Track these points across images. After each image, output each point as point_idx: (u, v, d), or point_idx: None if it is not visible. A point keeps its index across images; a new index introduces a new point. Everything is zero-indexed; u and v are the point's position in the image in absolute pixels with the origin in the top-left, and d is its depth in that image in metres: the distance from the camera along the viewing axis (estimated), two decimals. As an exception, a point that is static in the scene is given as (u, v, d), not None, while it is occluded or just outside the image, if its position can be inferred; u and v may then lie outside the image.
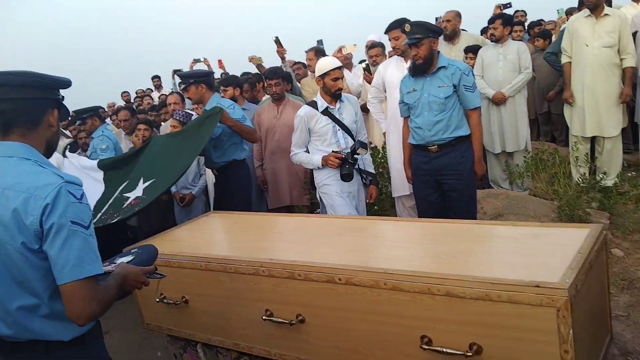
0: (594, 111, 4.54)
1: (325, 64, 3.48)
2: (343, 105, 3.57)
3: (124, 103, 9.54)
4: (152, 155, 3.85)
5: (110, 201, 3.75)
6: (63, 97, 1.65)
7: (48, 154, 1.60)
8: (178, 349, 2.69)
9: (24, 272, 1.42)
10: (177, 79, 8.86)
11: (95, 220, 3.75)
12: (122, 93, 10.48)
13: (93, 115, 4.99)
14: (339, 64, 3.54)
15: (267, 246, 2.47)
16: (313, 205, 4.66)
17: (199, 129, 3.71)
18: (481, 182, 4.62)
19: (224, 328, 2.32)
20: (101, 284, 1.49)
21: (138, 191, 3.68)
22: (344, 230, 2.48)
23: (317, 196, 3.65)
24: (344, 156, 3.37)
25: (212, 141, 3.88)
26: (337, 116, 3.52)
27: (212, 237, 2.81)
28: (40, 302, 1.46)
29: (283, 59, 5.91)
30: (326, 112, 3.50)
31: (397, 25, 3.88)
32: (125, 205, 3.63)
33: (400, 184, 3.94)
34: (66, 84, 1.62)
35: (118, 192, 3.76)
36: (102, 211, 3.69)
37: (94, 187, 3.82)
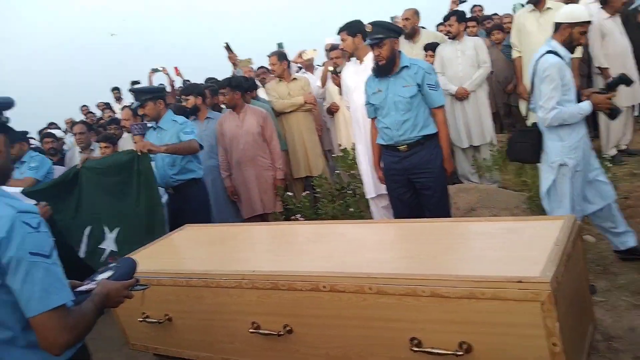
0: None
1: (580, 14, 3.06)
2: None
3: (84, 117, 9.31)
4: (96, 195, 3.80)
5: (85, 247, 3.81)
6: (7, 118, 1.55)
7: (1, 181, 1.54)
8: (165, 369, 2.66)
9: None
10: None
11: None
12: (82, 107, 10.21)
13: (21, 140, 4.83)
14: (590, 19, 3.17)
15: (247, 257, 2.47)
16: (287, 211, 4.66)
17: (136, 174, 3.63)
18: (451, 178, 4.72)
19: (211, 344, 2.31)
20: (75, 310, 1.45)
21: (109, 243, 3.73)
22: (321, 236, 2.51)
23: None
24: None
25: (168, 158, 3.85)
26: None
27: (190, 251, 2.78)
28: (15, 334, 1.42)
29: (235, 64, 5.89)
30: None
31: (345, 28, 3.92)
32: (102, 258, 3.70)
33: (371, 185, 3.99)
34: (7, 104, 1.54)
35: (86, 236, 3.80)
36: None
37: None
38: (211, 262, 2.44)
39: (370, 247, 2.22)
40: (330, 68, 5.03)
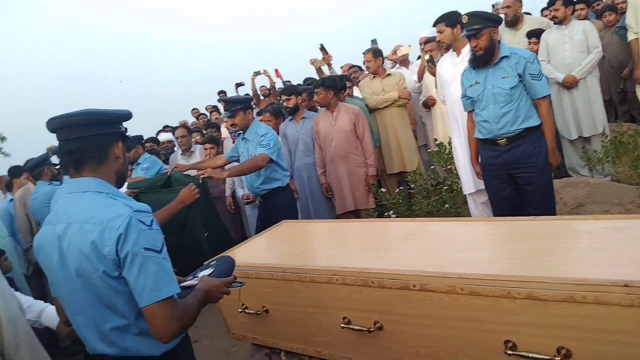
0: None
1: None
2: None
3: (195, 119, 9.95)
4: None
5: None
6: (126, 129, 1.75)
7: (119, 184, 1.71)
8: (263, 357, 2.78)
9: (110, 297, 1.53)
10: (240, 92, 9.16)
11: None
12: (192, 110, 10.93)
13: (137, 144, 5.26)
14: None
15: (339, 254, 2.50)
16: (380, 207, 4.65)
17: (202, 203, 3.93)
18: (558, 171, 4.42)
19: (304, 336, 2.38)
20: (181, 302, 1.58)
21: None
22: (414, 234, 2.47)
23: None
24: None
25: None
26: None
27: (286, 246, 2.88)
28: (129, 322, 1.57)
29: (329, 65, 5.95)
30: None
31: (442, 19, 3.82)
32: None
33: (469, 181, 3.86)
34: (126, 116, 1.72)
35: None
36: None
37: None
38: (305, 257, 2.51)
39: (464, 246, 2.15)
40: (427, 57, 4.92)
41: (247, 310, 2.56)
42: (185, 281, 1.87)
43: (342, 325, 2.12)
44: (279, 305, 2.46)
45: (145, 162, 5.02)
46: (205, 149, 5.31)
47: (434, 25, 3.93)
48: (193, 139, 6.10)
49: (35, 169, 4.66)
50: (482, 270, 1.73)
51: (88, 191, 1.60)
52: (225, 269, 1.91)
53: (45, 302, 2.52)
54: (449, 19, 3.78)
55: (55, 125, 1.61)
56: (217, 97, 8.83)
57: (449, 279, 1.75)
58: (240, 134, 4.17)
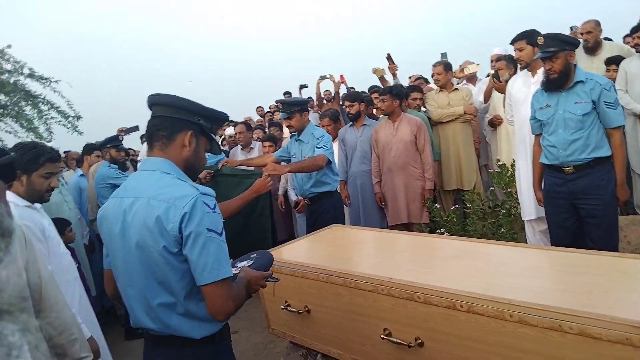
0: None
1: None
2: None
3: (259, 117, 10.23)
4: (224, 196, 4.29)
5: None
6: (210, 127, 1.79)
7: (189, 174, 1.76)
8: (300, 357, 2.80)
9: (164, 272, 1.59)
10: (304, 94, 9.31)
11: None
12: (257, 108, 11.23)
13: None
14: None
15: (387, 264, 2.48)
16: (433, 223, 4.58)
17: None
18: (625, 207, 4.19)
19: (343, 341, 2.38)
20: (234, 285, 1.63)
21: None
22: (467, 254, 2.42)
23: None
24: None
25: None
26: None
27: (334, 250, 2.89)
28: (177, 300, 1.62)
29: (394, 75, 5.92)
30: None
31: (523, 36, 3.71)
32: None
33: (529, 207, 3.73)
34: (210, 113, 1.77)
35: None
36: None
37: None
38: (352, 262, 2.52)
39: (517, 273, 2.09)
40: (492, 71, 4.81)
41: (289, 308, 2.60)
42: None
43: (382, 336, 2.11)
44: (321, 307, 2.47)
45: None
46: (264, 146, 5.43)
47: (513, 42, 3.84)
48: (255, 136, 6.26)
49: (101, 148, 5.02)
50: (533, 299, 1.68)
51: (157, 171, 1.68)
52: (264, 263, 1.95)
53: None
54: (530, 37, 3.67)
55: (150, 101, 1.74)
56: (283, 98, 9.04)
57: (498, 304, 1.71)
58: (293, 135, 4.24)
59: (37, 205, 2.62)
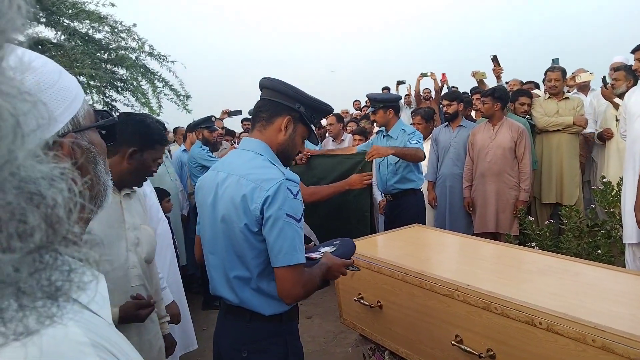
0: None
1: None
2: None
3: (355, 111, 10.33)
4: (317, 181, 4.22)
5: None
6: (311, 116, 1.82)
7: (282, 158, 1.81)
8: (368, 350, 2.82)
9: (243, 248, 1.67)
10: (400, 91, 9.22)
11: None
12: (354, 101, 11.32)
13: None
14: None
15: (466, 270, 2.42)
16: (523, 236, 4.36)
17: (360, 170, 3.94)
18: None
19: (412, 342, 2.36)
20: (307, 271, 1.68)
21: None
22: (553, 270, 2.29)
23: None
24: None
25: (391, 167, 3.98)
26: None
27: (413, 249, 2.87)
28: (251, 276, 1.70)
29: (499, 77, 5.66)
30: None
31: None
32: None
33: (632, 229, 3.44)
34: (310, 100, 1.80)
35: None
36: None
37: None
38: (430, 264, 2.48)
39: (608, 297, 1.94)
40: (608, 79, 4.47)
41: (362, 301, 2.62)
42: (310, 253, 1.98)
43: (452, 342, 2.06)
44: (393, 304, 2.47)
45: None
46: (355, 139, 5.47)
47: (634, 51, 3.54)
48: (349, 129, 6.34)
49: (195, 128, 5.34)
50: (621, 326, 1.56)
51: (252, 151, 1.78)
52: (347, 250, 1.98)
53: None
54: None
55: (260, 84, 1.84)
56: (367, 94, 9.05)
57: (580, 326, 1.61)
58: (380, 131, 4.23)
59: None
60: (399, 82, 9.23)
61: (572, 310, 1.73)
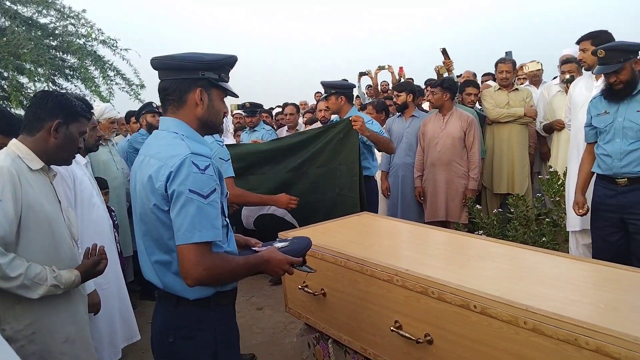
0: None
1: None
2: None
3: (316, 102, 10.25)
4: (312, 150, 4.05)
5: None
6: (219, 76, 1.69)
7: (205, 130, 1.73)
8: (312, 339, 2.78)
9: (158, 230, 1.59)
10: (363, 82, 9.22)
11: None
12: (315, 93, 11.26)
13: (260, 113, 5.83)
14: None
15: (408, 256, 2.41)
16: (471, 225, 4.41)
17: (343, 138, 3.82)
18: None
19: (354, 329, 2.33)
20: (222, 255, 1.58)
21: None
22: (496, 256, 2.30)
23: None
24: None
25: None
26: None
27: (358, 236, 2.83)
28: (172, 259, 1.61)
29: (449, 71, 5.72)
30: None
31: (589, 37, 3.47)
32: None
33: (576, 218, 3.51)
34: (211, 62, 1.67)
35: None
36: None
37: None
38: (372, 250, 2.45)
39: (545, 281, 1.95)
40: (567, 77, 4.55)
41: (306, 289, 2.57)
42: (261, 248, 1.90)
43: (392, 328, 2.04)
44: (336, 291, 2.43)
45: (261, 130, 5.51)
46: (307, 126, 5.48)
47: (578, 42, 3.61)
48: (305, 118, 6.36)
49: (138, 116, 5.21)
50: (552, 308, 1.56)
51: (166, 130, 1.68)
52: (299, 248, 1.88)
53: None
54: (597, 38, 3.44)
55: (153, 65, 1.71)
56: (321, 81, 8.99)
57: (513, 309, 1.60)
58: (337, 118, 4.20)
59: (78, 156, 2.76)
60: (362, 74, 9.23)
61: (506, 293, 1.72)
